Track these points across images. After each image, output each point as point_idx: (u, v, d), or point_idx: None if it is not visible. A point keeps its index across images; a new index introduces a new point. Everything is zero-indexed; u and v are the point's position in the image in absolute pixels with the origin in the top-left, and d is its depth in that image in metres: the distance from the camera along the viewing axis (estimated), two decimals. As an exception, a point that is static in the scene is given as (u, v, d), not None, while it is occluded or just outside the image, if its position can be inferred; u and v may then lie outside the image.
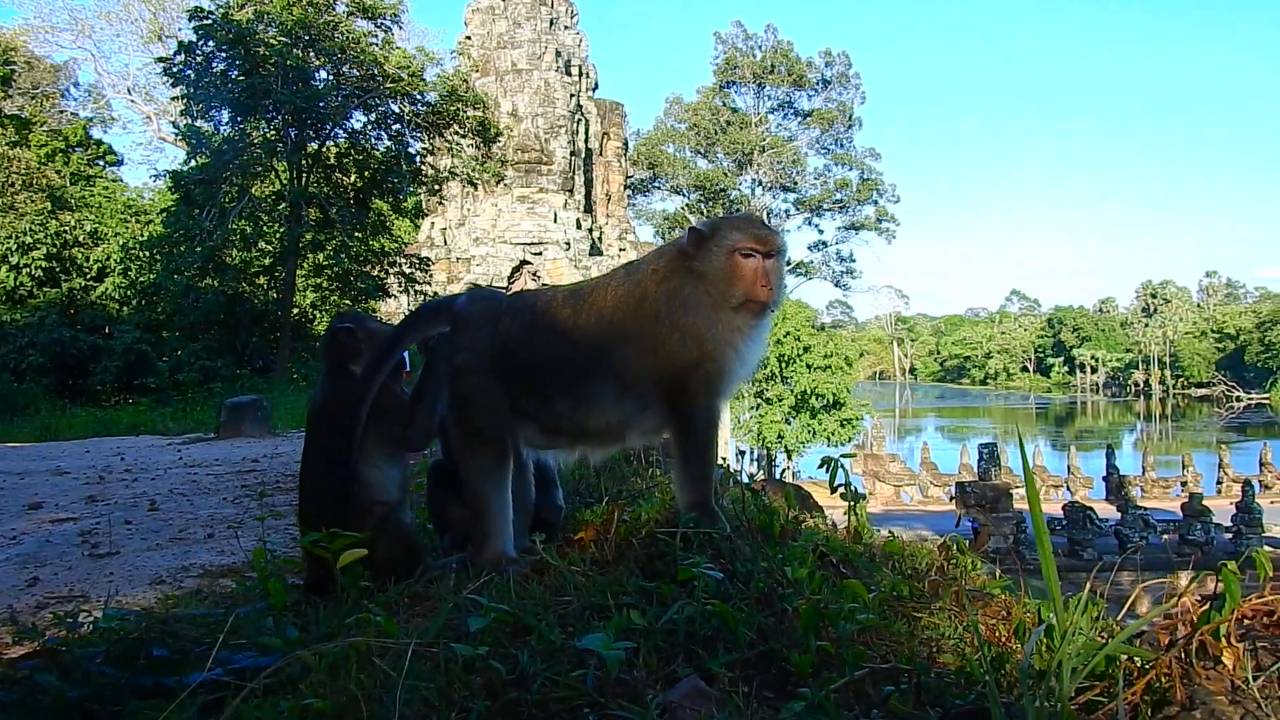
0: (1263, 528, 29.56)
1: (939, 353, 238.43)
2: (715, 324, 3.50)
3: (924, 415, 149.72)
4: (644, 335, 3.52)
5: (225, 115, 19.40)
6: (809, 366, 51.81)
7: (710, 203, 74.00)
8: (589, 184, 36.50)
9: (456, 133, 18.75)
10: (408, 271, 19.32)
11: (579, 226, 33.07)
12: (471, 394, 3.60)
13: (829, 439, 52.93)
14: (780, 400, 52.35)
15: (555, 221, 31.97)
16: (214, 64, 18.85)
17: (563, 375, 3.61)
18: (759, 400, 54.19)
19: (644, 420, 3.65)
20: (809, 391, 51.78)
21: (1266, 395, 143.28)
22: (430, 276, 21.01)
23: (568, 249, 31.78)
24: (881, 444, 44.05)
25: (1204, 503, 30.45)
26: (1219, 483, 40.78)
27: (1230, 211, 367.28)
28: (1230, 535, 29.72)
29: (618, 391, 3.59)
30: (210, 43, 18.72)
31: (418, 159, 18.71)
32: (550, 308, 3.67)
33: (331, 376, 3.98)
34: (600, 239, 35.95)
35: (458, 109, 18.20)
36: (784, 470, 56.14)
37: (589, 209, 35.90)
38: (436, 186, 20.07)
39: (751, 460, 65.72)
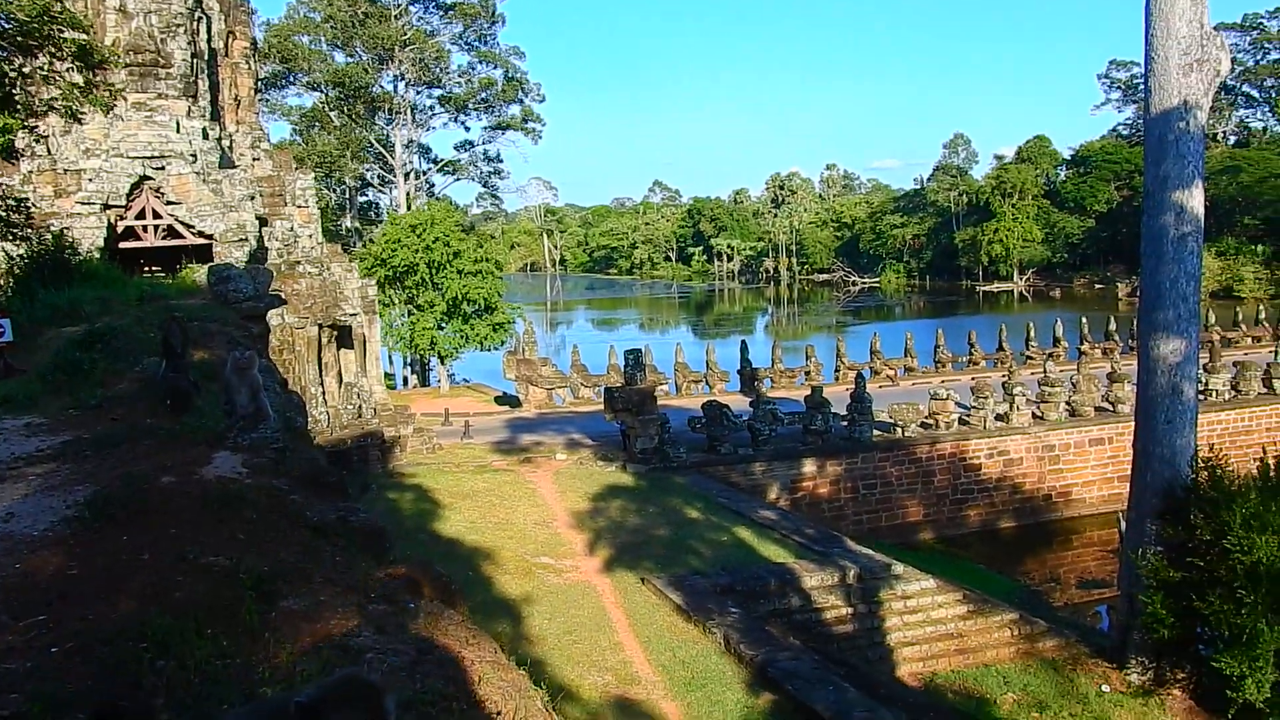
0: (872, 415, 32.97)
1: (588, 243, 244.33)
2: None
3: (575, 307, 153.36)
4: None
5: None
6: (460, 272, 51.56)
7: (351, 100, 71.00)
8: (215, 88, 33.86)
9: (53, 54, 16.58)
10: (2, 214, 17.12)
11: (206, 136, 30.73)
12: None
13: (482, 344, 53.27)
14: (432, 306, 51.89)
15: (178, 131, 29.50)
16: None
17: None
18: (410, 307, 53.51)
19: None
20: (460, 297, 51.64)
21: (877, 280, 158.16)
22: (30, 219, 18.70)
23: (194, 162, 29.51)
24: (533, 348, 44.80)
25: (824, 393, 33.46)
26: (837, 370, 44.91)
27: (846, 106, 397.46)
28: (846, 423, 32.93)
29: None
30: None
31: (7, 85, 16.42)
32: None
33: None
34: (231, 148, 33.64)
35: (51, 31, 16.08)
36: (438, 376, 56.04)
37: (216, 116, 33.38)
38: (31, 121, 17.75)
39: (405, 365, 65.09)
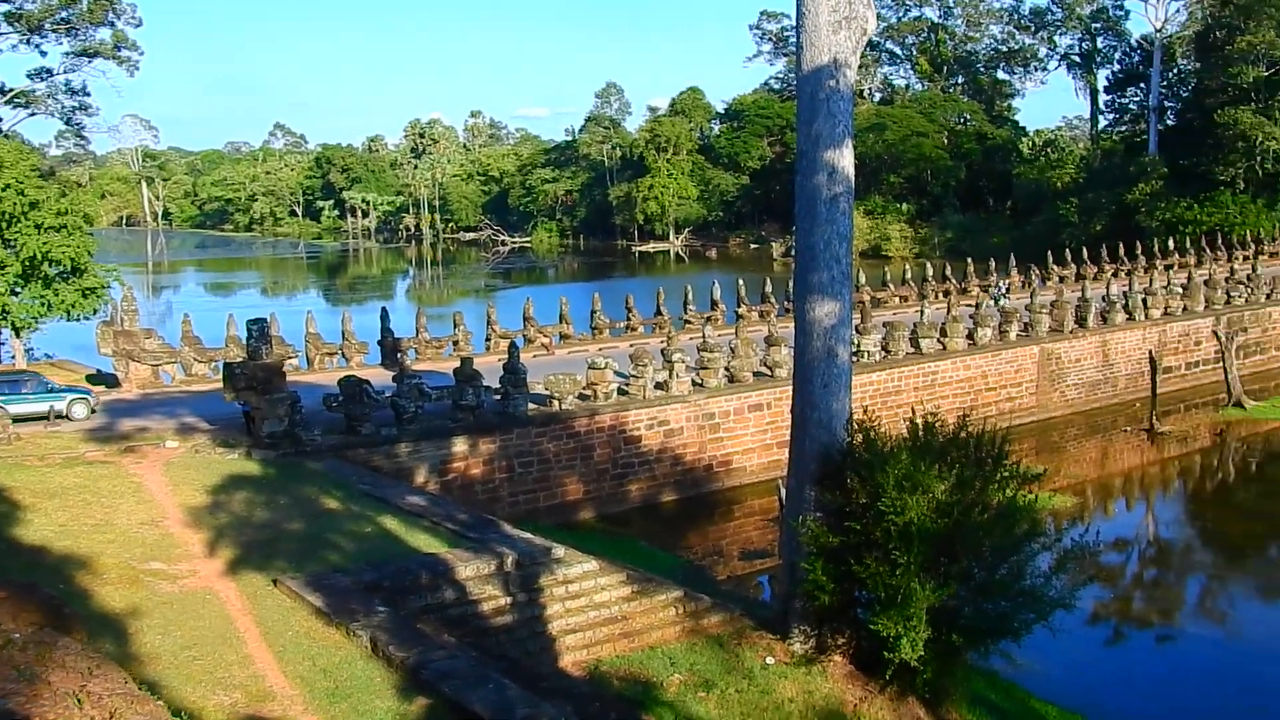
0: (527, 387, 33.45)
1: (197, 194, 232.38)
2: None
3: (183, 268, 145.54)
4: None
5: None
6: (38, 227, 47.38)
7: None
8: None
9: None
10: None
11: None
12: None
13: (68, 312, 49.40)
14: (3, 268, 47.42)
15: None
16: None
17: None
18: (-27, 269, 48.63)
19: None
20: (40, 256, 47.49)
21: (528, 239, 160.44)
22: None
23: None
24: (134, 317, 42.00)
25: (475, 364, 33.61)
26: (488, 339, 45.20)
27: (490, 48, 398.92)
28: (499, 397, 33.24)
29: None
30: None
31: None
32: None
33: None
34: None
35: None
36: (13, 354, 51.38)
37: None
38: None
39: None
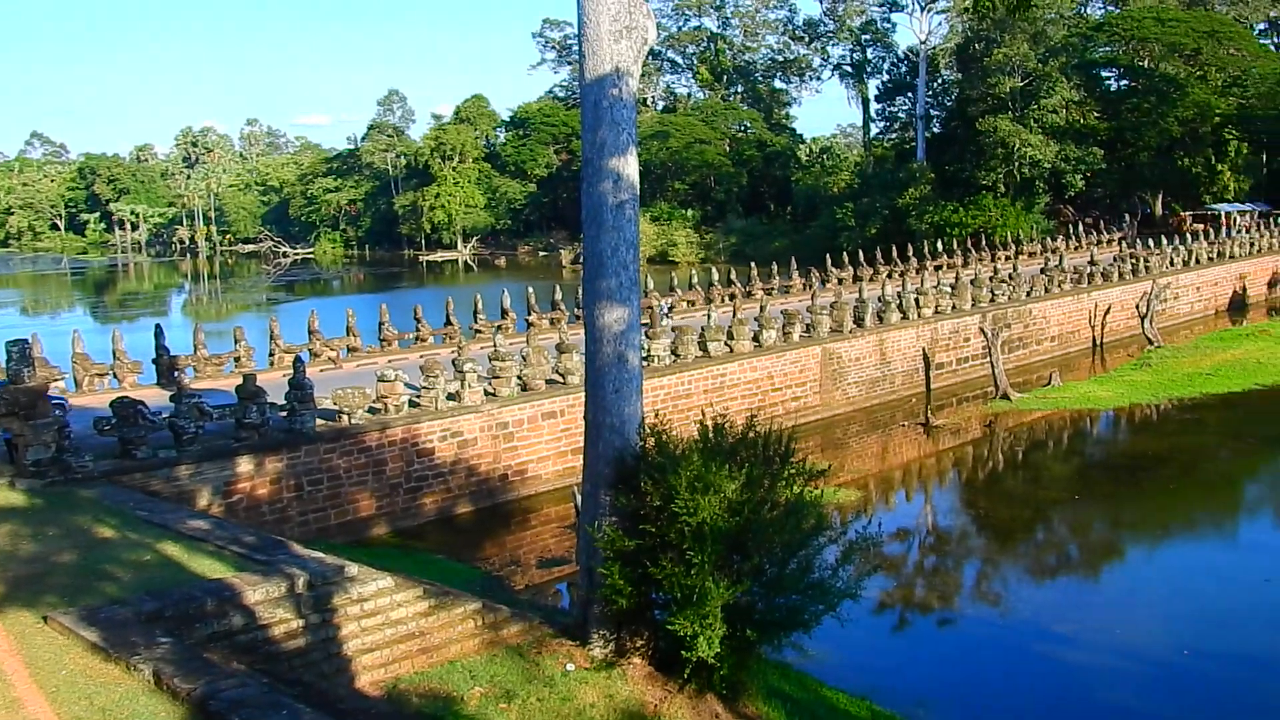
0: (314, 403, 32.61)
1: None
2: None
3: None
4: None
5: None
6: None
7: None
8: None
9: None
10: None
11: None
12: None
13: None
14: None
15: None
16: None
17: None
18: None
19: None
20: None
21: (311, 250, 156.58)
22: None
23: None
24: (-123, 343, 39.07)
25: (259, 379, 32.56)
26: (271, 355, 43.83)
27: (266, 52, 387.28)
28: (285, 414, 32.29)
29: None
30: None
31: None
32: None
33: None
34: None
35: None
36: None
37: None
38: None
39: None
